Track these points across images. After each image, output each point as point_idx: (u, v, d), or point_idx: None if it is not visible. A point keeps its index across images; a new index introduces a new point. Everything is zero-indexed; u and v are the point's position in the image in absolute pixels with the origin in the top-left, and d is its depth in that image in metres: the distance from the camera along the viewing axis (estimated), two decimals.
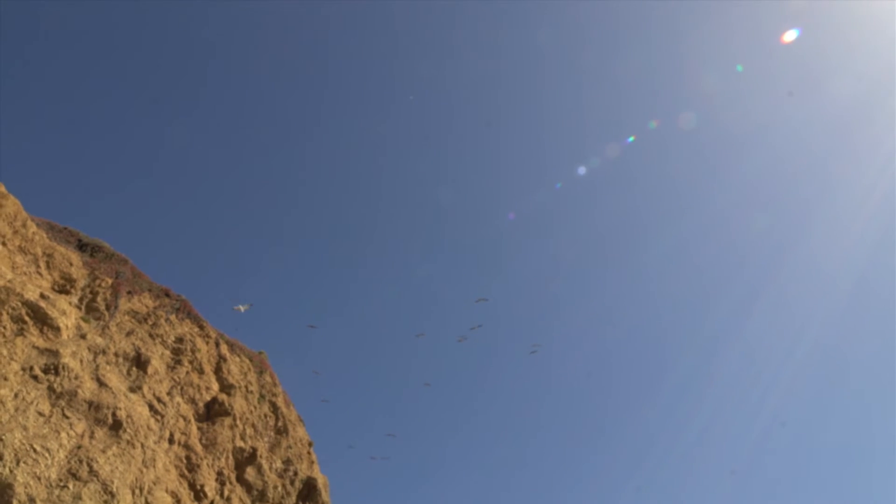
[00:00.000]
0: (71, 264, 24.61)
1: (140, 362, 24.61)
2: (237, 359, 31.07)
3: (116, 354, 23.95)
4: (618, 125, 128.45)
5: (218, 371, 29.20)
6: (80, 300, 24.39)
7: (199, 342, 28.73)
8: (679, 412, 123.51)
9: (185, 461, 24.10)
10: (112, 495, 19.62)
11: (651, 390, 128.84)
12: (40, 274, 23.02)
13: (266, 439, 29.25)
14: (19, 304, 21.06)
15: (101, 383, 22.21)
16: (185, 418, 25.23)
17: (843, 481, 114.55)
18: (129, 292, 26.57)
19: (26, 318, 21.05)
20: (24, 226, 23.15)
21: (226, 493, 24.87)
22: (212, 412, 27.07)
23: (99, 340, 23.51)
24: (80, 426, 20.39)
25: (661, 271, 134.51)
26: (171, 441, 24.00)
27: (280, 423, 30.77)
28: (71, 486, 18.71)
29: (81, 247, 26.49)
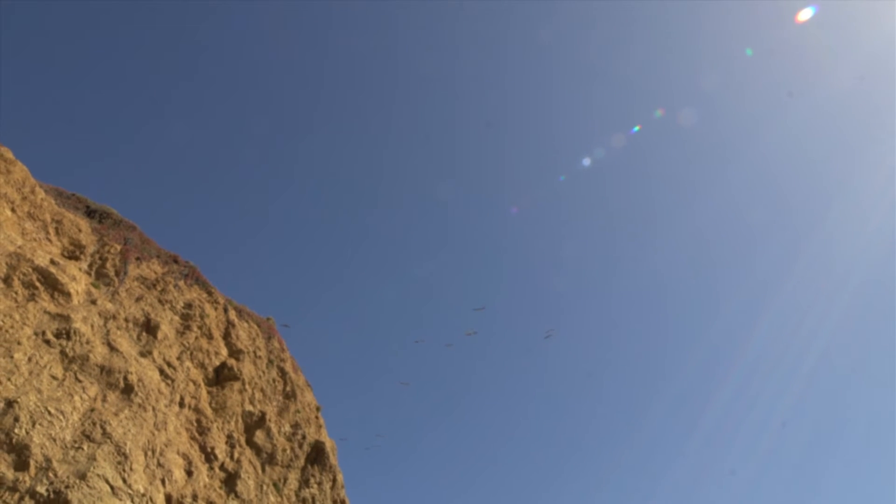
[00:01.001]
0: (80, 230, 24.77)
1: (150, 327, 24.93)
2: (245, 324, 31.41)
3: (126, 320, 24.25)
4: (623, 116, 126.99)
5: (227, 336, 29.56)
6: (90, 266, 24.60)
7: (208, 308, 29.03)
8: (679, 413, 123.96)
9: (195, 424, 24.58)
10: (125, 456, 20.09)
11: (653, 391, 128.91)
12: (49, 240, 23.20)
13: (275, 403, 29.75)
14: (30, 269, 21.27)
15: (112, 348, 22.54)
16: (194, 382, 25.65)
17: (843, 481, 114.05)
18: (137, 258, 26.77)
19: (37, 284, 21.29)
20: (32, 192, 23.24)
21: (235, 455, 25.42)
22: (221, 377, 27.50)
23: (109, 306, 23.79)
24: (93, 390, 20.77)
25: (668, 267, 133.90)
26: (181, 405, 24.46)
27: (288, 388, 31.24)
28: (85, 448, 19.15)
29: (90, 213, 26.62)
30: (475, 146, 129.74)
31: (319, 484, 29.16)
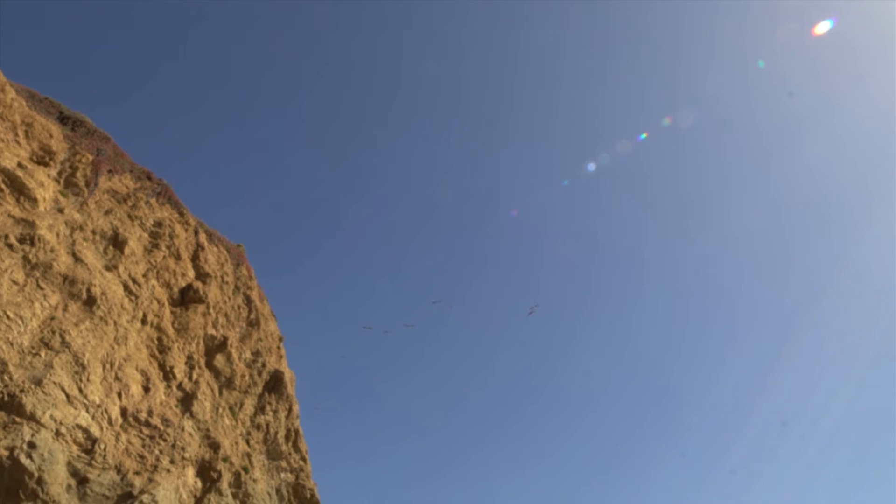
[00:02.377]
0: (51, 136, 24.15)
1: (117, 242, 24.72)
2: (215, 249, 31.30)
3: (94, 232, 23.99)
4: (630, 122, 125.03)
5: (195, 259, 29.47)
6: (59, 174, 24.11)
7: (178, 228, 28.81)
8: (679, 414, 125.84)
9: (156, 342, 24.75)
10: (83, 367, 20.26)
11: (651, 391, 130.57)
12: (18, 143, 22.61)
13: (237, 330, 29.99)
14: None
15: (76, 258, 22.38)
16: (159, 301, 25.69)
17: (843, 482, 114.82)
18: (109, 171, 26.28)
19: (2, 187, 20.87)
20: (2, 91, 22.48)
21: (194, 376, 25.76)
22: (186, 298, 27.55)
23: (77, 216, 23.48)
24: (54, 298, 20.72)
25: (667, 272, 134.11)
26: (143, 322, 24.55)
27: (252, 316, 31.45)
28: (43, 355, 19.25)
29: (62, 120, 25.88)
30: (476, 148, 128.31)
31: (275, 412, 29.77)
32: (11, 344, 18.45)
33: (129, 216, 26.20)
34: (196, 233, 30.32)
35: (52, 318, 20.33)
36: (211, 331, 28.02)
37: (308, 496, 29.86)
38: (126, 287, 24.14)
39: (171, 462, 22.58)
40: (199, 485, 23.79)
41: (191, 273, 28.68)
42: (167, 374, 24.50)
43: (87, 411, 19.90)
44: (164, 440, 22.71)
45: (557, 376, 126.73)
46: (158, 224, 27.55)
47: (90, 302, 21.88)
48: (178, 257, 28.03)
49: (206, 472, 24.18)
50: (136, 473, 20.92)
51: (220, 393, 27.05)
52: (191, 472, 23.45)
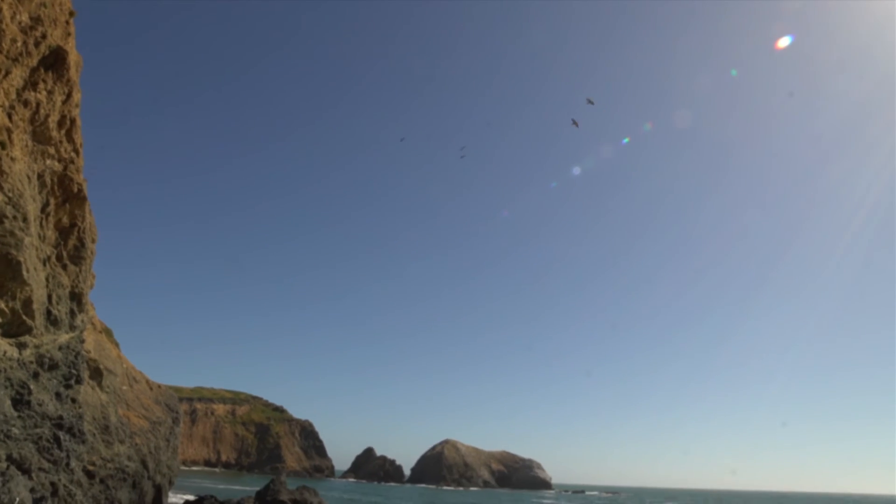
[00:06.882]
0: None
1: None
2: None
3: None
4: (612, 126, 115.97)
5: None
6: None
7: None
8: (679, 414, 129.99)
9: None
10: None
11: (648, 390, 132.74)
12: None
13: None
14: None
15: None
16: None
17: (843, 482, 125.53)
18: None
19: None
20: None
21: None
22: None
23: None
24: None
25: (658, 271, 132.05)
26: None
27: None
28: None
29: None
30: (468, 150, 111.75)
31: (50, 93, 26.17)
32: None
33: None
34: None
35: None
36: None
37: (75, 190, 28.14)
38: None
39: None
40: None
41: None
42: None
43: None
44: None
45: (558, 378, 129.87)
46: None
47: None
48: None
49: None
50: None
51: None
52: None
